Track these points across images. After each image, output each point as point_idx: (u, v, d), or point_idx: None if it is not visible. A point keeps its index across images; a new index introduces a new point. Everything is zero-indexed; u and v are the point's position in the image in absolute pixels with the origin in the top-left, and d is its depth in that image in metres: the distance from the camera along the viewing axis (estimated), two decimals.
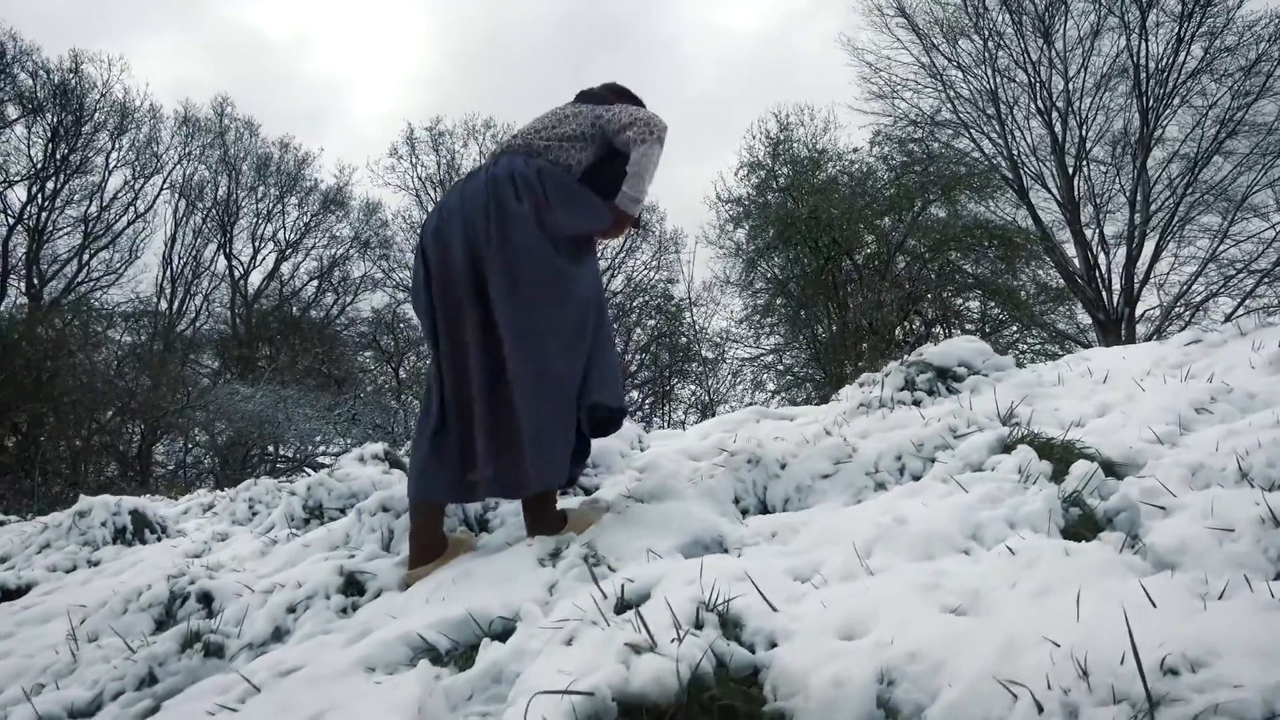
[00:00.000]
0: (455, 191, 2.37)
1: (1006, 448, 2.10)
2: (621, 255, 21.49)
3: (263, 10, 36.43)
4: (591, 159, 2.39)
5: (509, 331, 2.21)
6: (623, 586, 1.67)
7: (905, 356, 3.07)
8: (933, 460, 2.22)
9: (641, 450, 3.47)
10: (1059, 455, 2.00)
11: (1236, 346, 2.70)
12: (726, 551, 2.06)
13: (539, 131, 2.41)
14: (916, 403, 2.80)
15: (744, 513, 2.37)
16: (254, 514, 3.52)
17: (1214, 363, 2.63)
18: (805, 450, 2.49)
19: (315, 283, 25.15)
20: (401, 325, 24.53)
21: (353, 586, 2.30)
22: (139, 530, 3.93)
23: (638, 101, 2.57)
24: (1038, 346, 16.62)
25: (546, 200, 2.27)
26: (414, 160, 23.97)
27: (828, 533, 1.86)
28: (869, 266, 17.00)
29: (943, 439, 2.27)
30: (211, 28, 32.59)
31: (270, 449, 20.85)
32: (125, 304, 21.56)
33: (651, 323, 22.00)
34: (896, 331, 15.87)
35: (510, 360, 2.22)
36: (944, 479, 2.01)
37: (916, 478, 2.21)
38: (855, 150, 17.57)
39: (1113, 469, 1.94)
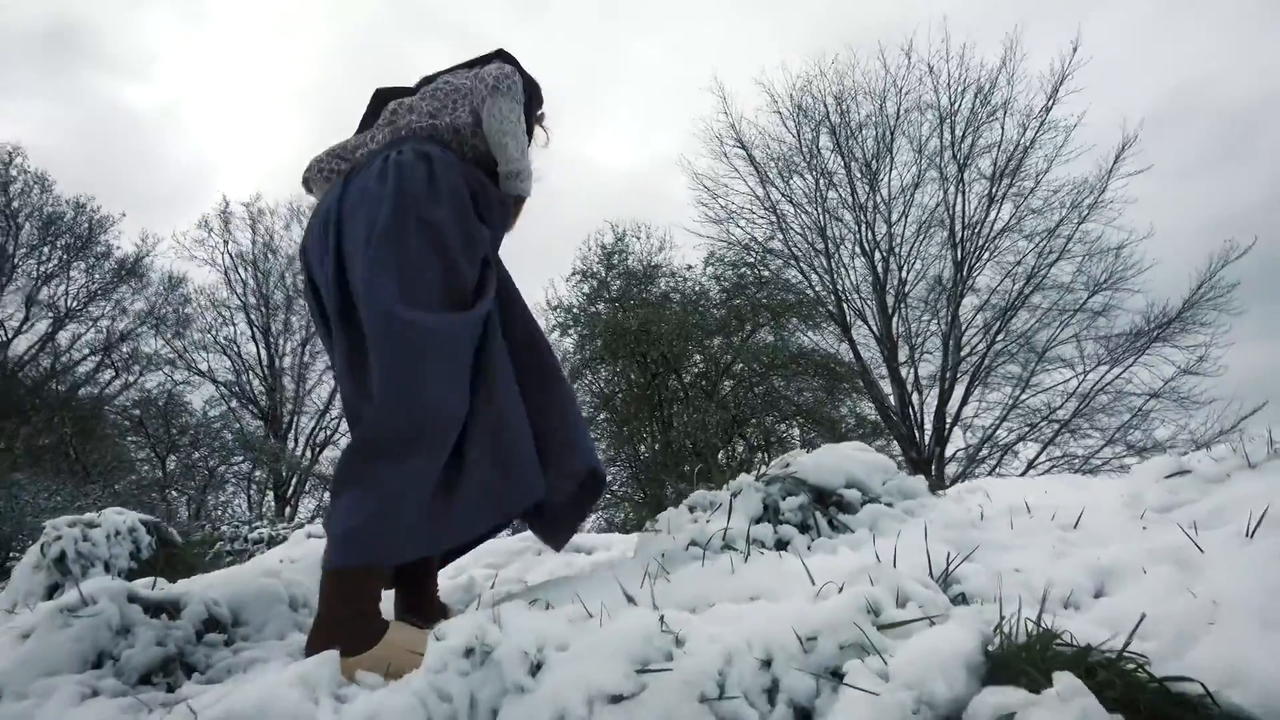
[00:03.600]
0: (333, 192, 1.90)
1: (996, 664, 0.99)
2: None
3: (135, 87, 33.65)
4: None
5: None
6: None
7: (763, 469, 1.94)
8: (838, 677, 1.06)
9: None
10: (1123, 696, 0.90)
11: (1251, 482, 1.78)
12: None
13: (435, 114, 1.99)
14: (782, 544, 1.68)
15: None
16: None
17: (1223, 505, 1.70)
18: (586, 635, 1.26)
19: (95, 357, 21.69)
20: (182, 411, 21.51)
21: None
22: None
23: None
24: None
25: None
26: (226, 235, 21.93)
27: None
28: (696, 386, 16.46)
29: (856, 629, 1.13)
30: (81, 100, 29.40)
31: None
32: None
33: None
34: (720, 455, 15.20)
35: None
36: None
37: None
38: (690, 268, 17.37)
39: None
